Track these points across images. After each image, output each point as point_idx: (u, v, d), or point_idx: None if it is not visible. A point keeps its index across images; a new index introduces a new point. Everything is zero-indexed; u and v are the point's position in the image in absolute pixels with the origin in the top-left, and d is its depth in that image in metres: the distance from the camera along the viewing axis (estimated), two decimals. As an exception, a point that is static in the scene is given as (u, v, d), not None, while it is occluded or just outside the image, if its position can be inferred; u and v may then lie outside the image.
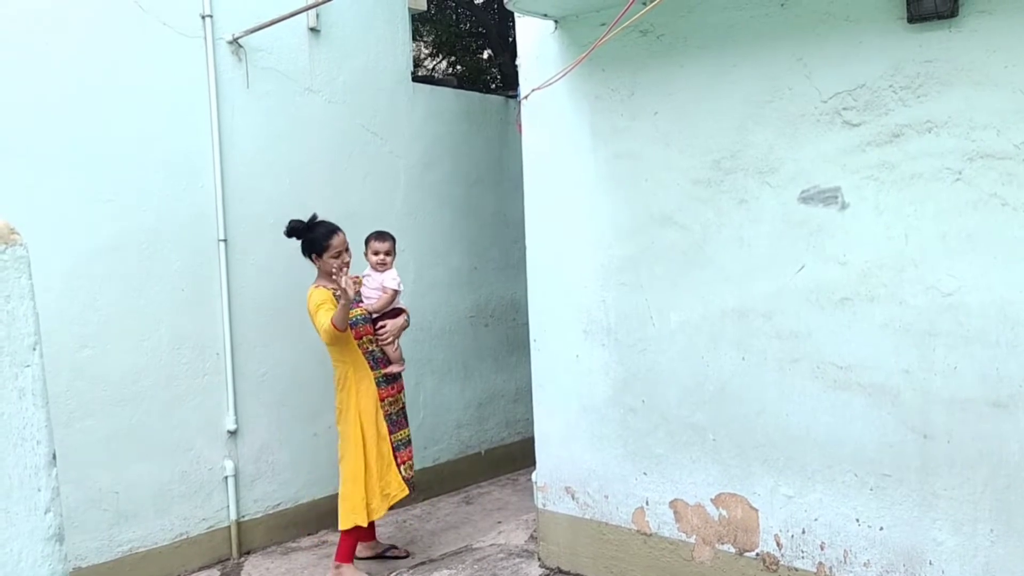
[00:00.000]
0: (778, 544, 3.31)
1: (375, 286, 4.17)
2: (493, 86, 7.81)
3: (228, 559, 4.44)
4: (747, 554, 3.40)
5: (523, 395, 5.67)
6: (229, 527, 4.45)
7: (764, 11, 3.19)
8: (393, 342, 4.16)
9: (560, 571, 4.01)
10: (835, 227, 3.07)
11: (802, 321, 3.18)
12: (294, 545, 4.65)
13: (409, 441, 4.24)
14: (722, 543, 3.47)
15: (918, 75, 2.86)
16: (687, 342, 3.50)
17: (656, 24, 3.46)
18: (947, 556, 2.91)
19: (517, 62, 4.03)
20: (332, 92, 4.88)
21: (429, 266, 5.40)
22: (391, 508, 4.18)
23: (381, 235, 4.24)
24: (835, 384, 3.11)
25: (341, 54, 4.93)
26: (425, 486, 5.23)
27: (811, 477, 3.20)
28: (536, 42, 3.87)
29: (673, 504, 3.61)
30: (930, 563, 2.95)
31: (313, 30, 4.77)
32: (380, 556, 4.37)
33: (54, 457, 1.20)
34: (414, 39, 6.41)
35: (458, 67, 8.29)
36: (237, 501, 4.47)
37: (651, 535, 3.68)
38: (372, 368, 4.09)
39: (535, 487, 4.12)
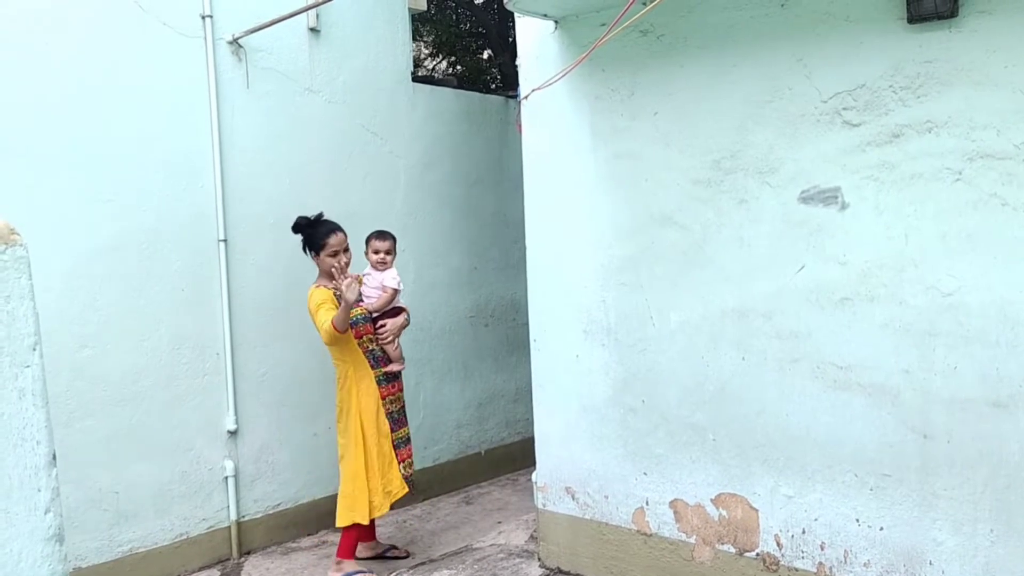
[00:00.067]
0: (778, 544, 3.31)
1: (375, 285, 4.19)
2: (493, 86, 7.81)
3: (228, 559, 4.44)
4: (747, 554, 3.40)
5: (523, 395, 5.67)
6: (229, 527, 4.45)
7: (764, 11, 3.19)
8: (393, 341, 4.18)
9: (560, 571, 4.01)
10: (835, 227, 3.07)
11: (802, 321, 3.18)
12: (294, 545, 4.65)
13: (408, 439, 4.25)
14: (722, 543, 3.47)
15: (918, 75, 2.86)
16: (687, 342, 3.50)
17: (656, 24, 3.46)
18: (947, 556, 2.91)
19: (517, 62, 4.03)
20: (332, 92, 4.88)
21: (429, 266, 5.40)
22: (391, 508, 4.19)
23: (381, 234, 4.26)
24: (835, 384, 3.11)
25: (341, 54, 4.93)
26: (425, 486, 5.24)
27: (811, 477, 3.20)
28: (536, 42, 3.87)
29: (673, 504, 3.61)
30: (930, 563, 2.95)
31: (313, 30, 4.77)
32: (380, 556, 4.37)
33: (54, 457, 1.20)
34: (414, 39, 6.41)
35: (458, 67, 8.30)
36: (237, 501, 4.47)
37: (651, 535, 3.68)
38: (372, 367, 4.10)
39: (535, 487, 4.12)
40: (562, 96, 3.79)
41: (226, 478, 4.42)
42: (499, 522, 4.89)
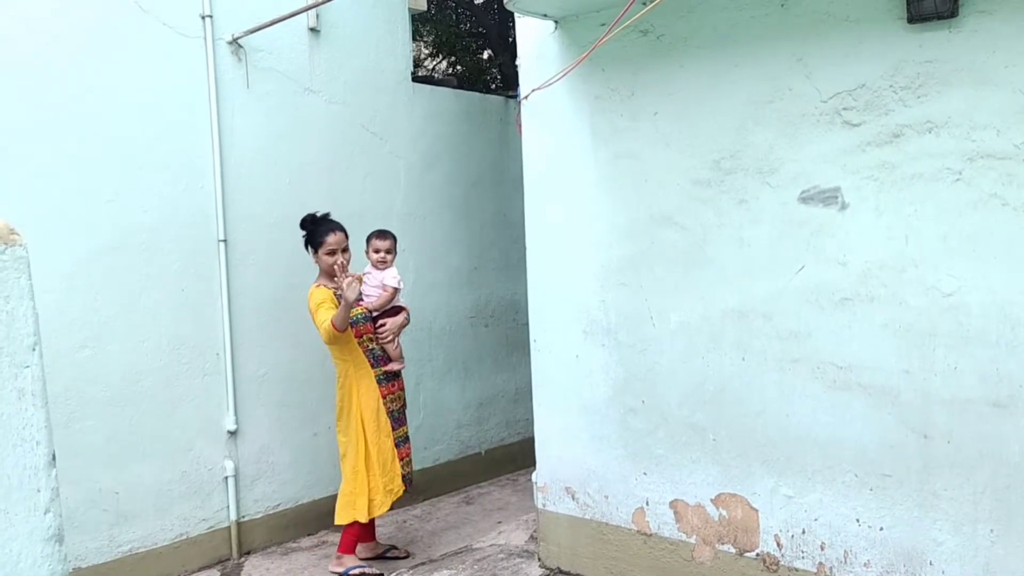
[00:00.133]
0: (778, 544, 3.31)
1: (375, 284, 4.20)
2: (493, 86, 7.81)
3: (228, 559, 4.44)
4: (747, 554, 3.40)
5: (523, 395, 5.67)
6: (229, 527, 4.45)
7: (764, 11, 3.19)
8: (393, 340, 4.19)
9: (560, 571, 4.01)
10: (835, 227, 3.07)
11: (802, 321, 3.17)
12: (294, 545, 4.65)
13: (407, 438, 4.26)
14: (722, 543, 3.47)
15: (918, 75, 2.86)
16: (687, 342, 3.50)
17: (656, 24, 3.46)
18: (947, 556, 2.91)
19: (517, 62, 4.03)
20: (332, 92, 4.88)
21: (429, 266, 5.40)
22: (391, 508, 4.19)
23: (382, 233, 4.28)
24: (835, 384, 3.11)
25: (341, 54, 4.93)
26: (425, 486, 5.24)
27: (811, 477, 3.20)
28: (536, 42, 3.87)
29: (673, 504, 3.61)
30: (930, 563, 2.95)
31: (313, 30, 4.77)
32: (380, 556, 4.37)
33: (53, 457, 1.20)
34: (414, 39, 6.41)
35: (458, 67, 8.29)
36: (237, 501, 4.47)
37: (651, 535, 3.68)
38: (372, 366, 4.11)
39: (535, 487, 4.12)
40: (562, 96, 3.79)
41: (226, 478, 4.42)
42: (499, 522, 4.89)
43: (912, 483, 2.97)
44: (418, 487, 5.00)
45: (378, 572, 4.17)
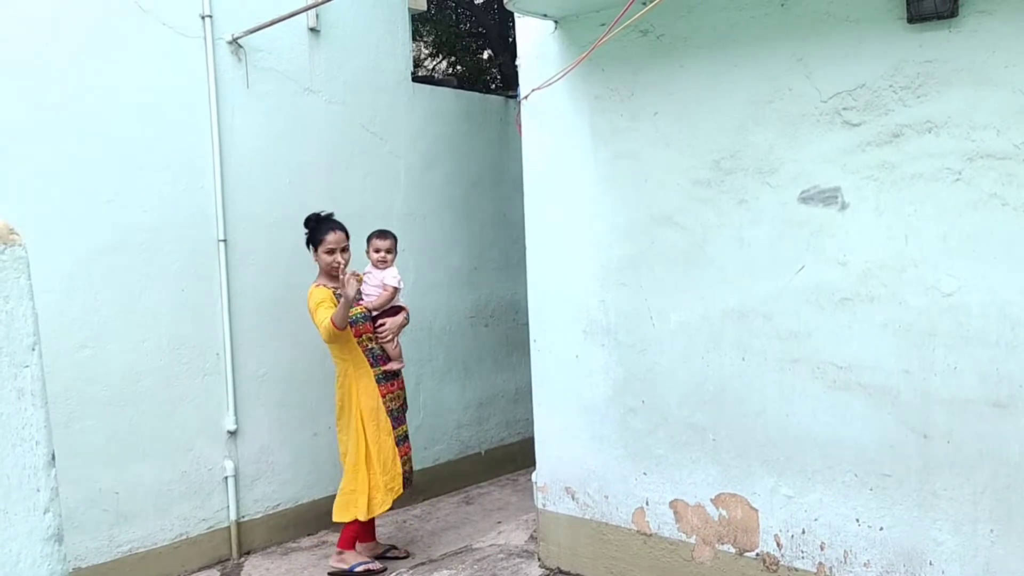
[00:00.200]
0: (778, 544, 3.31)
1: (375, 283, 4.21)
2: (493, 86, 7.81)
3: (228, 559, 4.44)
4: (747, 554, 3.40)
5: (523, 395, 5.67)
6: (229, 527, 4.45)
7: (764, 11, 3.19)
8: (393, 339, 4.20)
9: (560, 571, 4.01)
10: (835, 227, 3.07)
11: (802, 321, 3.17)
12: (294, 545, 4.65)
13: (407, 437, 4.27)
14: (722, 543, 3.47)
15: (918, 75, 2.86)
16: (687, 342, 3.50)
17: (656, 24, 3.46)
18: (947, 556, 2.91)
19: (517, 62, 4.03)
20: (332, 92, 4.88)
21: (429, 266, 5.40)
22: (391, 508, 4.20)
23: (382, 233, 4.31)
24: (835, 384, 3.11)
25: (341, 54, 4.93)
26: (425, 486, 5.24)
27: (811, 477, 3.20)
28: (536, 42, 3.87)
29: (673, 504, 3.61)
30: (930, 563, 2.95)
31: (313, 30, 4.77)
32: (380, 557, 4.37)
33: (53, 457, 1.20)
34: (414, 39, 6.42)
35: (458, 67, 8.29)
36: (237, 501, 4.47)
37: (651, 535, 3.68)
38: (372, 365, 4.13)
39: (535, 487, 4.12)
40: (562, 96, 3.79)
41: (226, 478, 4.42)
42: (499, 522, 4.89)
43: (912, 483, 2.97)
44: (418, 487, 5.00)
45: (382, 567, 4.18)
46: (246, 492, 4.52)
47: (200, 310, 4.32)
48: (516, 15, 3.86)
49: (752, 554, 3.38)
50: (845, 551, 3.14)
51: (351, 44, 4.98)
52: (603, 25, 3.46)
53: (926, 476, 2.94)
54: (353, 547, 4.21)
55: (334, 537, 4.49)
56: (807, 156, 3.11)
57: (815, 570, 3.22)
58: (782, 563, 3.30)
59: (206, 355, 4.35)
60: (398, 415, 4.21)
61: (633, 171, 3.61)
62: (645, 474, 3.68)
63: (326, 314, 3.92)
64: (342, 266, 4.03)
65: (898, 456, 2.99)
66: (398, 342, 4.25)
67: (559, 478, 3.99)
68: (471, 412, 5.72)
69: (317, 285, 4.12)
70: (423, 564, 4.29)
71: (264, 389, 4.59)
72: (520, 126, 4.01)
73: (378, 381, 4.13)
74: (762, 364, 3.29)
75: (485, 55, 8.59)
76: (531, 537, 4.46)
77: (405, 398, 4.35)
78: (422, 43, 8.32)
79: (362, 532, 4.28)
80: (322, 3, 4.46)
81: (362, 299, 4.15)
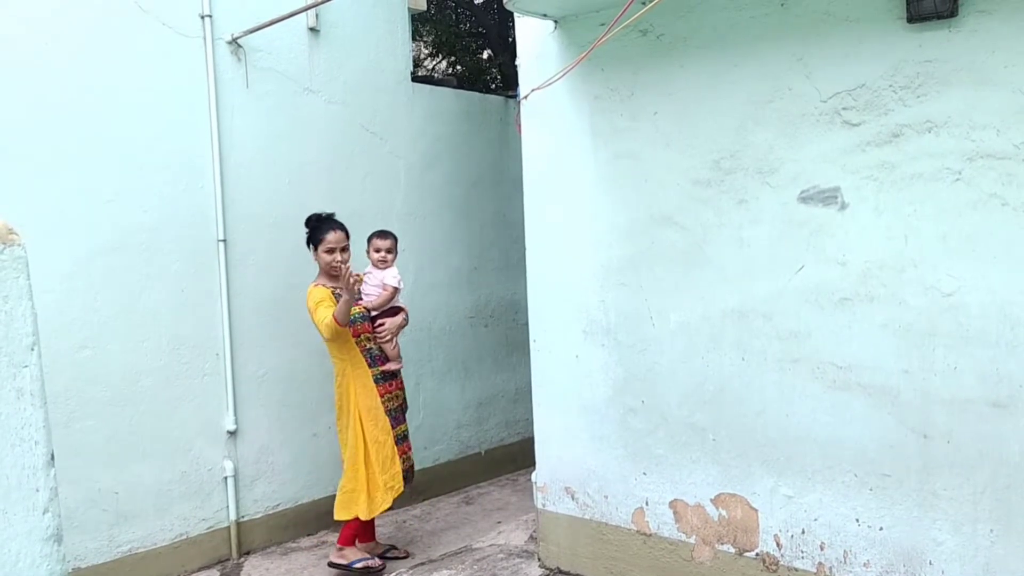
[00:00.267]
0: (778, 544, 3.31)
1: (375, 283, 4.22)
2: (493, 86, 7.81)
3: (228, 559, 4.44)
4: (747, 554, 3.40)
5: (523, 395, 5.67)
6: (229, 527, 4.45)
7: (764, 11, 3.18)
8: (391, 340, 4.20)
9: (560, 571, 4.01)
10: (835, 227, 3.07)
11: (802, 321, 3.17)
12: (294, 545, 4.65)
13: (406, 436, 4.28)
14: (722, 543, 3.47)
15: (918, 75, 2.86)
16: (687, 342, 3.50)
17: (656, 24, 3.46)
18: (947, 556, 2.91)
19: (517, 62, 4.03)
20: (332, 92, 4.88)
21: (429, 266, 5.40)
22: (391, 508, 4.20)
23: (383, 233, 4.33)
24: (835, 384, 3.11)
25: (341, 54, 4.93)
26: (425, 486, 5.24)
27: (811, 477, 3.20)
28: (536, 42, 3.87)
29: (673, 504, 3.61)
30: (930, 563, 2.95)
31: (313, 30, 4.77)
32: (380, 557, 4.37)
33: (52, 457, 1.20)
34: (414, 39, 6.42)
35: (458, 67, 8.29)
36: (237, 501, 4.47)
37: (651, 535, 3.68)
38: (370, 365, 4.13)
39: (535, 487, 4.12)
40: (562, 96, 3.79)
41: (226, 478, 4.42)
42: (499, 522, 4.89)
43: (912, 483, 2.97)
44: (418, 487, 5.00)
45: (381, 564, 4.19)
46: (246, 492, 4.52)
47: (200, 310, 4.32)
48: (516, 15, 3.86)
49: (752, 554, 3.38)
50: (845, 551, 3.14)
51: (351, 44, 4.98)
52: (603, 25, 3.45)
53: (926, 476, 2.94)
54: (353, 544, 4.22)
55: (334, 537, 4.49)
56: (807, 156, 3.11)
57: (815, 570, 3.21)
58: (782, 563, 3.30)
59: (206, 355, 4.35)
60: (396, 415, 4.22)
61: (633, 171, 3.61)
62: (645, 474, 3.68)
63: (327, 312, 3.94)
64: (343, 264, 4.04)
65: (898, 456, 2.99)
66: (396, 342, 4.25)
67: (559, 478, 3.99)
68: (471, 412, 5.72)
69: (316, 284, 4.13)
70: (423, 564, 4.29)
71: (264, 389, 4.60)
72: (520, 126, 4.01)
73: (376, 381, 4.14)
74: (762, 364, 3.29)
75: (485, 55, 8.59)
76: (531, 537, 4.46)
77: (405, 398, 4.35)
78: (422, 43, 8.32)
79: (362, 532, 4.28)
80: (322, 3, 4.46)
81: (361, 299, 4.15)
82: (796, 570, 3.26)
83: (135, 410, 4.10)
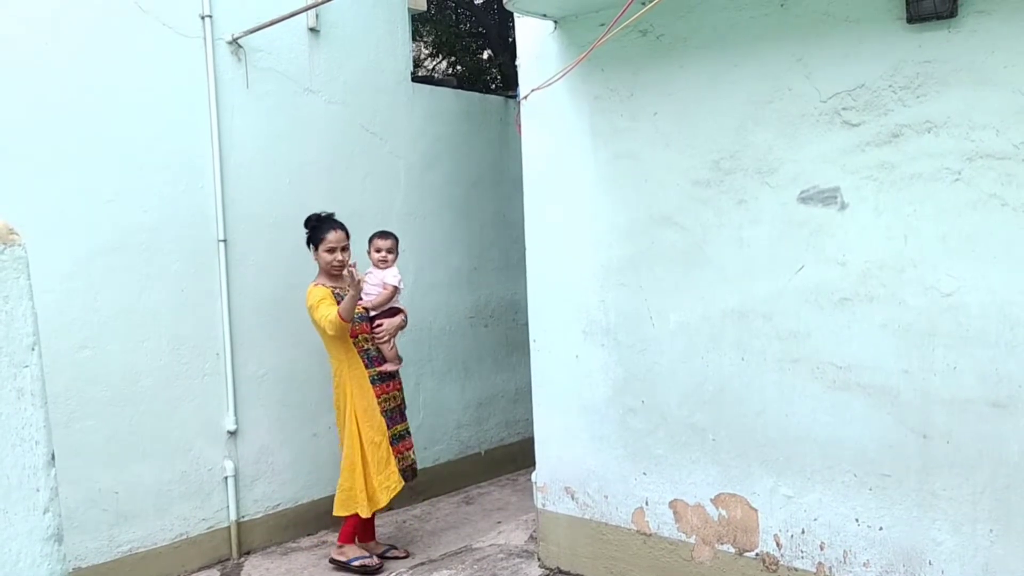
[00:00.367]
0: (778, 544, 3.31)
1: (376, 283, 4.22)
2: (493, 86, 7.81)
3: (228, 559, 4.44)
4: (747, 554, 3.40)
5: (523, 395, 5.67)
6: (229, 527, 4.45)
7: (764, 11, 3.19)
8: (389, 341, 4.20)
9: (560, 571, 4.01)
10: (835, 227, 3.07)
11: (802, 321, 3.17)
12: (294, 545, 4.65)
13: (405, 434, 4.29)
14: (722, 543, 3.47)
15: (917, 75, 2.86)
16: (687, 342, 3.50)
17: (656, 24, 3.46)
18: (947, 556, 2.91)
19: (517, 62, 4.03)
20: (332, 92, 4.88)
21: (429, 266, 5.40)
22: (390, 508, 4.21)
23: (384, 234, 4.34)
24: (835, 384, 3.11)
25: (341, 54, 4.93)
26: (425, 486, 5.24)
27: (811, 477, 3.20)
28: (536, 42, 3.87)
29: (673, 504, 3.61)
30: (930, 563, 2.95)
31: (313, 30, 4.77)
32: (380, 556, 4.37)
33: (52, 457, 1.21)
34: (414, 39, 6.42)
35: (458, 67, 8.30)
36: (237, 501, 4.47)
37: (651, 535, 3.68)
38: (367, 366, 4.14)
39: (535, 487, 4.12)
40: (562, 96, 3.79)
41: (226, 478, 4.42)
42: (499, 522, 4.89)
43: (911, 483, 2.97)
44: (418, 487, 5.00)
45: (379, 563, 4.20)
46: (246, 492, 4.52)
47: (200, 310, 4.32)
48: (516, 15, 3.86)
49: (752, 554, 3.38)
50: (844, 551, 3.14)
51: (351, 44, 4.98)
52: (603, 25, 3.46)
53: (925, 476, 2.94)
54: (353, 541, 4.23)
55: (333, 537, 4.50)
56: (807, 156, 3.12)
57: (815, 570, 3.22)
58: (782, 563, 3.30)
59: (206, 355, 4.35)
60: (393, 415, 4.22)
61: (633, 171, 3.61)
62: (645, 474, 3.68)
63: (331, 308, 3.95)
64: (346, 263, 4.04)
65: (898, 456, 2.99)
66: (394, 343, 4.25)
67: (559, 478, 3.99)
68: (471, 412, 5.72)
69: (316, 284, 4.13)
70: (423, 564, 4.29)
71: (264, 389, 4.60)
72: (520, 126, 4.01)
73: (373, 382, 4.14)
74: (762, 364, 3.29)
75: (485, 55, 8.59)
76: (531, 537, 4.46)
77: (403, 399, 4.35)
78: (422, 43, 8.33)
79: (362, 531, 4.28)
80: (322, 3, 4.47)
81: (361, 298, 4.15)
82: (796, 570, 3.26)
83: (135, 410, 4.10)
